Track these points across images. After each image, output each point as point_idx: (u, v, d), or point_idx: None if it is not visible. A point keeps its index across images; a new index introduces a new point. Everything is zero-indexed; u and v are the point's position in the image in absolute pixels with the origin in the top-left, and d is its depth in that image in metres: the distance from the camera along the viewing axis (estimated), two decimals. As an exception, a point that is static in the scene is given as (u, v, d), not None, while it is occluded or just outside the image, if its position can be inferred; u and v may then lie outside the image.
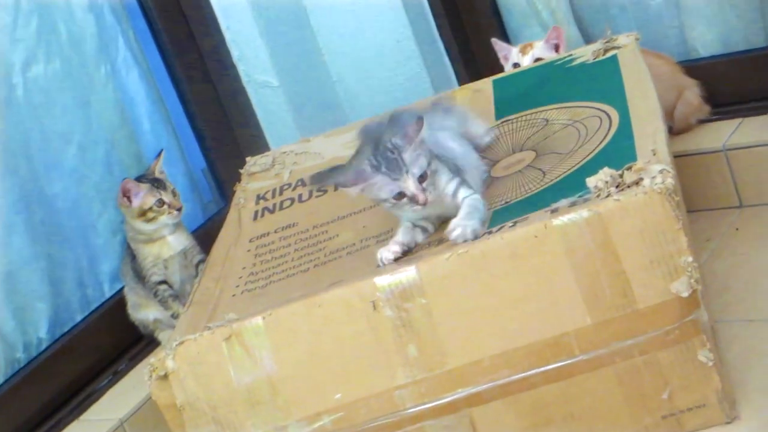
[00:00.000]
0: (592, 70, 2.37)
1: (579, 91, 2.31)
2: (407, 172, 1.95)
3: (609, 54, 2.38)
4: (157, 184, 2.51)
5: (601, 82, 2.30)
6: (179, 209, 2.53)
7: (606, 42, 2.41)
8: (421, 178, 1.95)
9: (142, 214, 2.50)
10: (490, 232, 1.88)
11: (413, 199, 1.95)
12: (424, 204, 1.95)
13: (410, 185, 1.94)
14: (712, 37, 2.65)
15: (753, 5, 2.59)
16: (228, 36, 3.00)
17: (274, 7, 2.98)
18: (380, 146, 1.97)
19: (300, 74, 3.03)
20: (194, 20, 2.99)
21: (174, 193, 2.54)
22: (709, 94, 2.59)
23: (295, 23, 3.02)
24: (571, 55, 2.47)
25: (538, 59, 2.51)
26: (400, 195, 1.95)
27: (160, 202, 2.50)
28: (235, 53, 3.00)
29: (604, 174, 1.84)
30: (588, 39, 2.77)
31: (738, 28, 2.62)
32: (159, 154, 2.59)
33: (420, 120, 1.97)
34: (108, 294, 2.72)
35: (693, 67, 2.62)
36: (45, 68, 2.69)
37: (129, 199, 2.49)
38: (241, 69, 3.02)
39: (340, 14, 2.97)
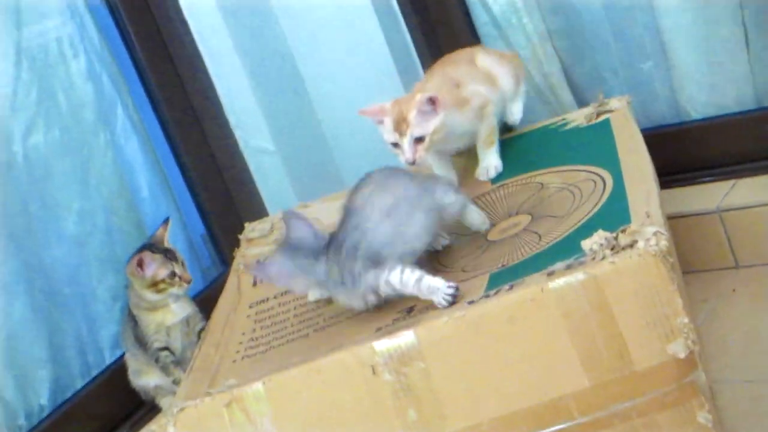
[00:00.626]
0: (585, 134, 2.41)
1: (573, 154, 2.34)
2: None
3: (602, 118, 2.42)
4: (170, 255, 2.53)
5: (594, 145, 2.33)
6: (189, 282, 2.54)
7: (598, 106, 2.45)
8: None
9: (153, 284, 2.51)
10: (487, 296, 1.90)
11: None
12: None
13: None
14: (704, 100, 2.68)
15: (743, 68, 2.62)
16: (225, 103, 3.03)
17: (271, 74, 3.02)
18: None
19: (296, 139, 3.06)
20: (192, 89, 3.02)
21: (184, 265, 2.55)
22: (703, 155, 2.61)
23: (291, 89, 3.06)
24: (564, 119, 2.50)
25: (418, 138, 2.30)
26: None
27: (173, 275, 2.51)
28: (232, 120, 3.03)
29: (599, 237, 1.86)
30: (581, 103, 2.80)
31: (729, 90, 2.65)
32: (166, 222, 2.60)
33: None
34: (109, 360, 2.72)
35: (685, 129, 2.65)
36: (45, 137, 2.72)
37: (141, 268, 2.50)
38: (239, 135, 3.05)
39: (337, 80, 3.01)
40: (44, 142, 2.71)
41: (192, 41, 3.01)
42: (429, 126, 2.26)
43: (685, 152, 2.64)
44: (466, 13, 2.90)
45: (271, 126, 3.02)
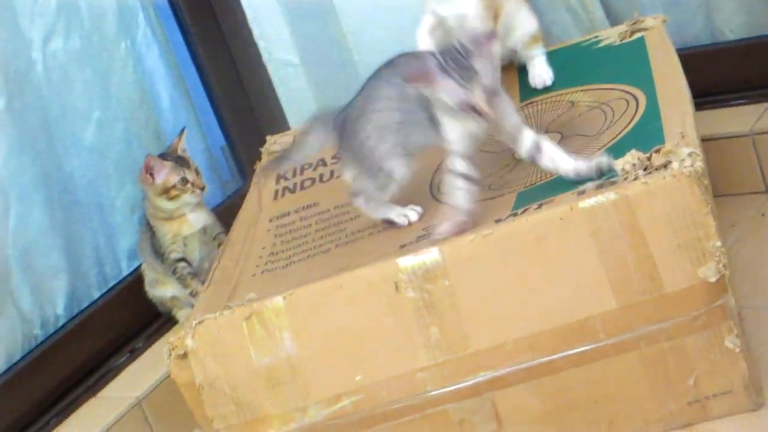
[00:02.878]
0: (618, 52, 2.35)
1: (605, 73, 2.28)
2: (478, 81, 1.82)
3: (636, 36, 2.36)
4: (181, 162, 2.49)
5: (628, 64, 2.28)
6: (202, 188, 2.51)
7: (632, 24, 2.39)
8: (491, 93, 1.82)
9: (165, 191, 2.48)
10: (515, 214, 1.86)
11: (479, 112, 1.82)
12: (491, 120, 1.84)
13: (478, 96, 1.81)
14: (740, 21, 2.62)
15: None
16: (249, 14, 2.98)
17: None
18: (448, 49, 1.84)
19: (322, 54, 3.01)
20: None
21: (197, 172, 2.52)
22: (737, 77, 2.56)
23: (317, 3, 3.00)
24: (597, 36, 2.45)
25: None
26: (467, 105, 1.83)
27: (184, 181, 2.48)
28: (256, 31, 2.99)
29: (632, 156, 1.82)
30: (614, 21, 2.73)
31: (766, 11, 2.59)
32: (181, 132, 2.57)
33: (492, 32, 1.90)
34: (126, 271, 2.71)
35: (720, 50, 2.59)
36: (64, 44, 2.67)
37: (152, 176, 2.47)
38: (262, 47, 3.00)
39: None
40: (64, 50, 2.66)
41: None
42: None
43: (720, 74, 2.58)
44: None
45: (297, 39, 2.97)
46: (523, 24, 2.39)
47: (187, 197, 2.49)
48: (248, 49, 3.00)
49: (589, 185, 1.83)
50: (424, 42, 2.34)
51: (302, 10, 2.99)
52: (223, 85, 2.99)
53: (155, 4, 2.91)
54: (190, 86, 2.97)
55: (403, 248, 1.93)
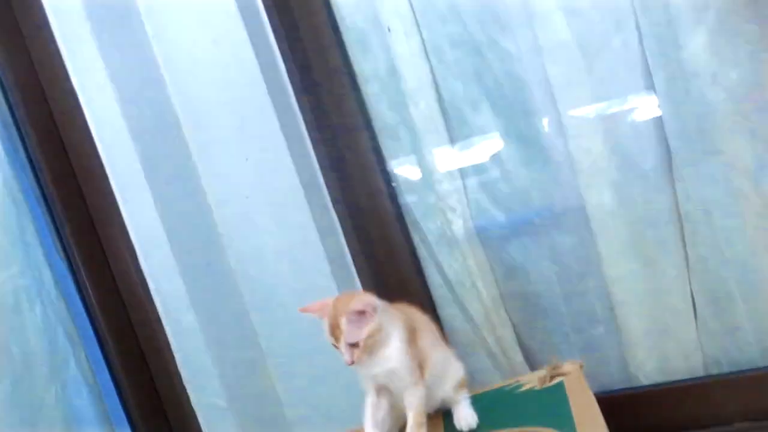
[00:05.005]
0: (540, 396, 2.44)
1: (528, 416, 2.36)
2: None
3: (555, 381, 2.46)
4: None
5: (549, 407, 2.36)
6: None
7: (552, 368, 2.50)
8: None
9: None
10: None
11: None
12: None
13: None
14: (653, 366, 2.73)
15: (691, 336, 2.70)
16: (178, 357, 3.05)
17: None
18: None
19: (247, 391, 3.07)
20: (146, 345, 3.04)
21: None
22: (653, 421, 2.65)
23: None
24: (518, 381, 2.54)
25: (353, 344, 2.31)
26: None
27: None
28: (184, 374, 3.04)
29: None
30: (532, 365, 2.85)
31: (677, 358, 2.71)
32: None
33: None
34: None
35: (635, 395, 2.70)
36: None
37: None
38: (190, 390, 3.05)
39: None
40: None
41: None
42: (362, 332, 2.28)
43: (636, 417, 2.67)
44: (420, 273, 2.97)
45: (222, 377, 3.03)
46: (452, 371, 2.49)
47: None
48: (179, 394, 3.05)
49: None
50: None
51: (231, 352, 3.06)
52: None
53: (87, 348, 2.97)
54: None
55: None
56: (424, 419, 2.34)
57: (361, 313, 2.29)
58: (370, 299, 2.31)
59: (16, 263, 2.85)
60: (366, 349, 2.29)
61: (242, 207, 2.91)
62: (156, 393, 3.05)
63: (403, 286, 2.96)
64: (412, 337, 2.37)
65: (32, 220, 2.90)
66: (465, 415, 2.46)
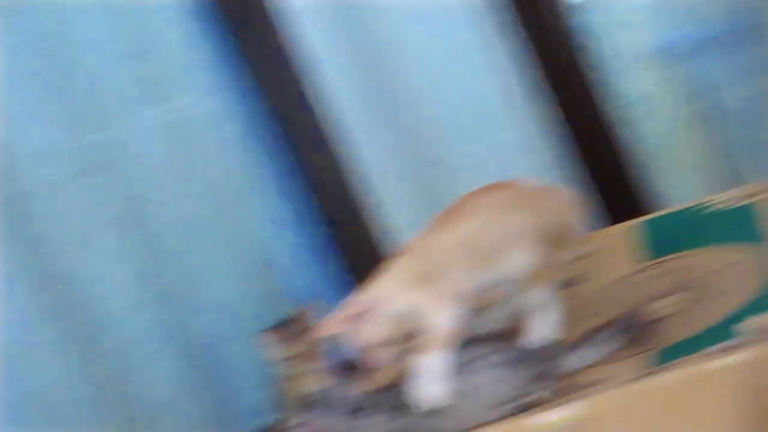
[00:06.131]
0: (728, 216, 2.37)
1: (720, 235, 2.31)
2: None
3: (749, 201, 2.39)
4: None
5: (743, 227, 2.30)
6: None
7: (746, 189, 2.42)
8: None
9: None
10: (637, 378, 1.87)
11: None
12: None
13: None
14: None
15: None
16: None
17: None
18: None
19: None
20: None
21: None
22: None
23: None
24: (708, 201, 2.47)
25: None
26: None
27: None
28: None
29: (759, 320, 1.82)
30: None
31: None
32: None
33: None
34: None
35: None
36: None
37: None
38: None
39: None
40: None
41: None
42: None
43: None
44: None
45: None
46: None
47: None
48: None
49: (716, 347, 1.83)
50: None
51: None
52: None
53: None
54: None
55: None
56: None
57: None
58: None
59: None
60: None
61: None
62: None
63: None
64: None
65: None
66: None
